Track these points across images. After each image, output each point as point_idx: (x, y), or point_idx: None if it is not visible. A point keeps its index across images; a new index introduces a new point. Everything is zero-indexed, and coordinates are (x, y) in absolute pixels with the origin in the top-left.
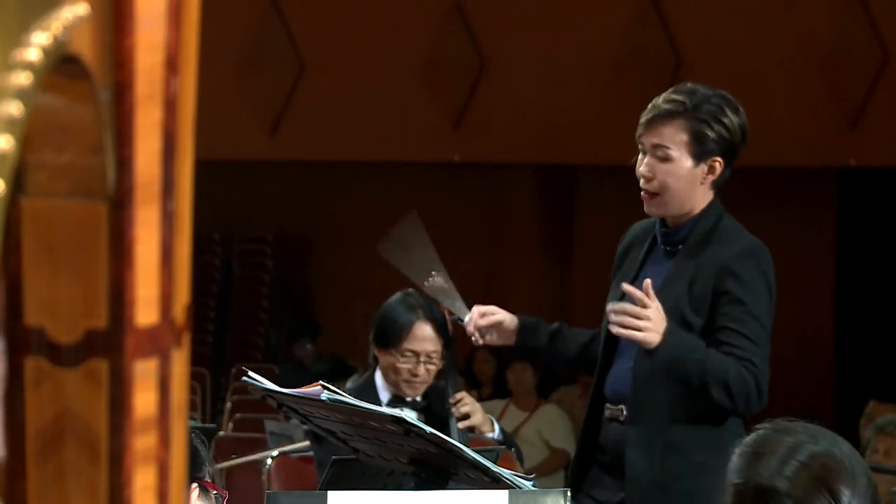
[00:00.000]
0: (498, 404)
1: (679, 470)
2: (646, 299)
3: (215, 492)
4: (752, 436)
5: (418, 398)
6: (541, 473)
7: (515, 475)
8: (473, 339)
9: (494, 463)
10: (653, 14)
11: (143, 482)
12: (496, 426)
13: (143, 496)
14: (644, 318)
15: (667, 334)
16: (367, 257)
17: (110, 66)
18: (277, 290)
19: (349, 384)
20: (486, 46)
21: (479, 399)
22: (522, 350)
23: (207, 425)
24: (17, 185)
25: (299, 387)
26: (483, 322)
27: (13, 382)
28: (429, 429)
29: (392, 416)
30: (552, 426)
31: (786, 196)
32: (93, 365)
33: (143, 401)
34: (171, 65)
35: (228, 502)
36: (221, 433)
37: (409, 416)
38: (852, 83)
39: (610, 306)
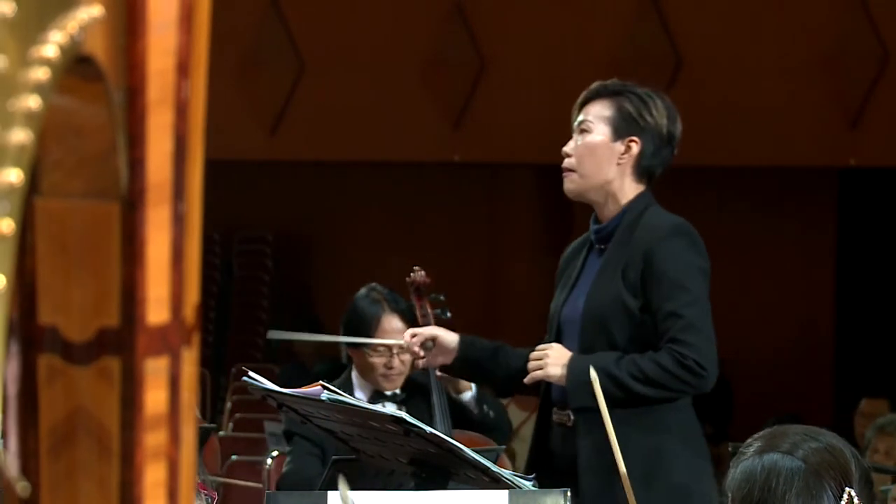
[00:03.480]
0: None
1: (628, 464)
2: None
3: (205, 492)
4: (766, 429)
5: (398, 391)
6: None
7: (515, 475)
8: (416, 363)
9: (494, 463)
10: (653, 14)
11: (153, 478)
12: (473, 386)
13: (153, 492)
14: (543, 356)
15: (568, 364)
16: (368, 257)
17: (123, 69)
18: (277, 290)
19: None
20: (486, 46)
21: None
22: (465, 364)
23: (207, 425)
24: (32, 184)
25: (299, 387)
26: (415, 340)
27: (27, 380)
28: (429, 429)
29: (392, 416)
30: None
31: (786, 196)
32: (105, 363)
33: (154, 398)
34: (183, 69)
35: (230, 502)
36: (221, 433)
37: (399, 413)
38: (852, 83)
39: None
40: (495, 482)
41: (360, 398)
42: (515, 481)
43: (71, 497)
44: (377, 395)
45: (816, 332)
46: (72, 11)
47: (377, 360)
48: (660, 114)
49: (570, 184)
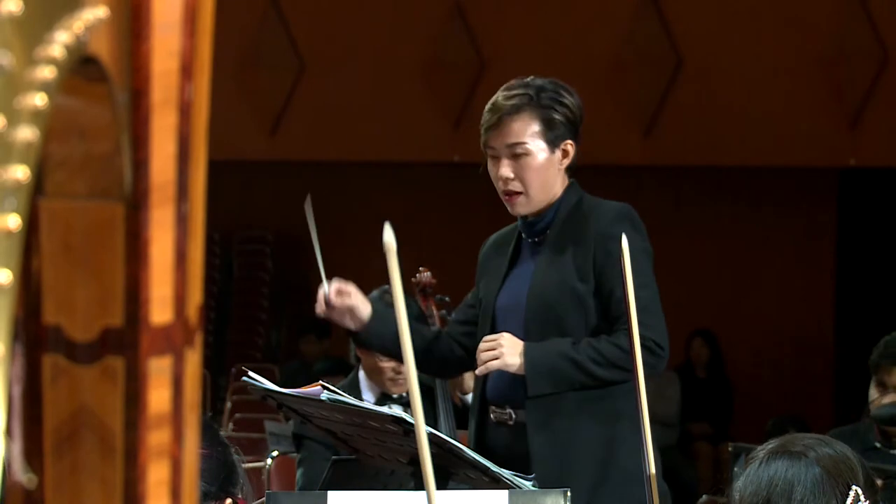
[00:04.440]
0: None
1: (583, 452)
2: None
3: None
4: (779, 437)
5: (404, 394)
6: None
7: (515, 475)
8: (317, 308)
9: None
10: (652, 14)
11: (156, 477)
12: None
13: (156, 491)
14: (497, 345)
15: (525, 353)
16: (367, 257)
17: (128, 70)
18: (277, 290)
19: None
20: (486, 46)
21: None
22: (367, 337)
23: None
24: (37, 185)
25: (302, 386)
26: (339, 301)
27: (31, 379)
28: (429, 429)
29: (392, 416)
30: None
31: (786, 196)
32: (109, 362)
33: (158, 397)
34: (186, 71)
35: None
36: (221, 433)
37: (398, 412)
38: (852, 83)
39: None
40: (495, 482)
41: (367, 399)
42: (515, 481)
43: (74, 495)
44: (384, 398)
45: (816, 332)
46: (77, 12)
47: (386, 365)
48: (571, 101)
49: (521, 207)
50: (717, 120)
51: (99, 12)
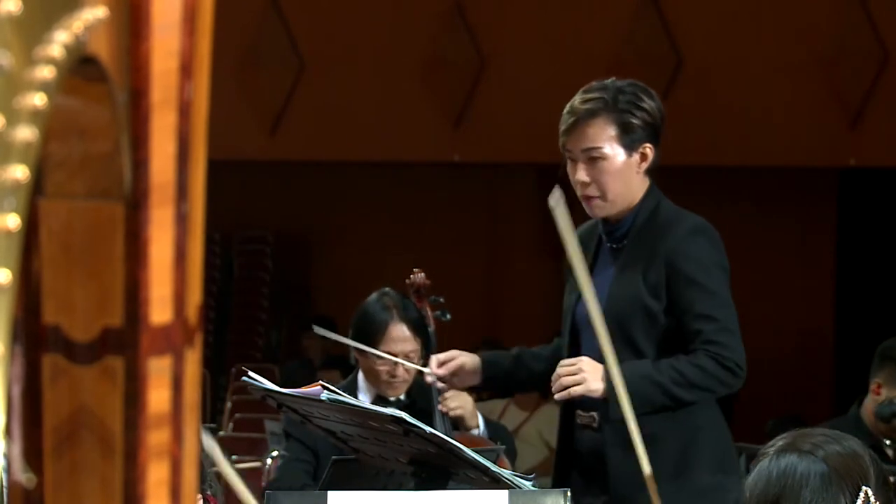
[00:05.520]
0: (498, 404)
1: (660, 461)
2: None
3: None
4: (790, 431)
5: (402, 397)
6: (541, 473)
7: (515, 475)
8: (432, 384)
9: (494, 463)
10: (652, 14)
11: (156, 476)
12: (481, 422)
13: (156, 490)
14: (578, 371)
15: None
16: (368, 257)
17: (127, 70)
18: (277, 290)
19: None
20: (486, 46)
21: (479, 399)
22: (490, 385)
23: (207, 425)
24: (36, 185)
25: (303, 385)
26: (443, 371)
27: (31, 379)
28: (429, 429)
29: (392, 416)
30: (552, 426)
31: (786, 196)
32: (108, 362)
33: (157, 397)
34: (186, 70)
35: (230, 502)
36: (221, 433)
37: (397, 412)
38: (852, 83)
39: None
40: (495, 482)
41: (363, 401)
42: (515, 481)
43: (74, 495)
44: (380, 400)
45: (816, 332)
46: (77, 12)
47: (381, 368)
48: (650, 104)
49: (599, 210)
50: (717, 120)
51: (98, 12)
